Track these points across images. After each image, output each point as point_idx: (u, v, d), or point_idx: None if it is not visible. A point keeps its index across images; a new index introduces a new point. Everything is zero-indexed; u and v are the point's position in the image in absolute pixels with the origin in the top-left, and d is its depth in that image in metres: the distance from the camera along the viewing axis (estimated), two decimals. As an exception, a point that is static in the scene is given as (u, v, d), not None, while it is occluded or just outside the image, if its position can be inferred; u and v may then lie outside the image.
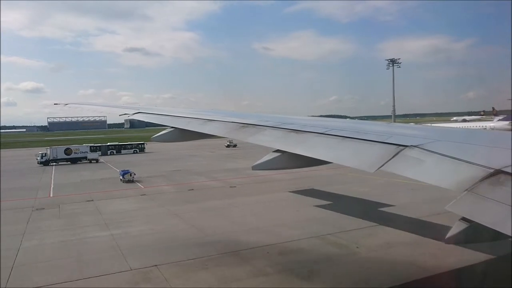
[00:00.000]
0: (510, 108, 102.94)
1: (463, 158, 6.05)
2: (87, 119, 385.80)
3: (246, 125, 11.45)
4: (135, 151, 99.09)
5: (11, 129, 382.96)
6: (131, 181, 50.01)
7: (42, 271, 20.55)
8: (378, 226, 26.33)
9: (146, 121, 16.32)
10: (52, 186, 50.12)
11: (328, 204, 33.96)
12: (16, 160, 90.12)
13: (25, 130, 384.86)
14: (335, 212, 30.84)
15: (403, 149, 6.96)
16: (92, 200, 39.26)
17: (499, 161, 5.63)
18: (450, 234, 5.44)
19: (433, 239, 22.56)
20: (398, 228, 25.43)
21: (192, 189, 44.10)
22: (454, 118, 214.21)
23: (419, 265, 19.45)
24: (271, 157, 9.41)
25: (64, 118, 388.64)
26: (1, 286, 18.29)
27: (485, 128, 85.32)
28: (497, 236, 4.85)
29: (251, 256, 21.48)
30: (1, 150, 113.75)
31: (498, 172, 5.34)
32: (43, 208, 36.39)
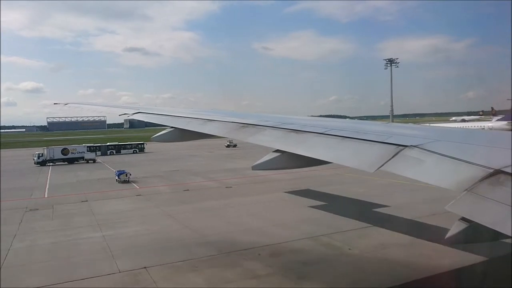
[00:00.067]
0: (509, 108, 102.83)
1: (462, 158, 6.04)
2: (86, 119, 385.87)
3: (246, 125, 11.44)
4: (134, 151, 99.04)
5: (10, 129, 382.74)
6: (126, 182, 49.69)
7: (29, 272, 20.30)
8: (372, 227, 26.11)
9: (146, 121, 16.30)
10: (47, 187, 49.80)
11: (323, 204, 33.72)
12: (13, 160, 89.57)
13: (24, 130, 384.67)
14: (329, 213, 30.65)
15: (403, 149, 6.95)
16: (87, 201, 38.98)
17: (498, 161, 5.62)
18: (449, 234, 5.44)
19: (426, 240, 22.53)
20: (392, 229, 25.20)
21: (188, 190, 43.83)
22: (453, 118, 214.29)
23: (411, 267, 19.31)
24: (271, 157, 9.40)
25: (63, 118, 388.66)
26: None
27: (483, 128, 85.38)
28: (496, 236, 4.86)
29: (242, 257, 21.27)
30: (1, 150, 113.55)
31: (497, 172, 5.33)
32: (37, 209, 36.11)
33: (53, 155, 78.12)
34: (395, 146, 7.15)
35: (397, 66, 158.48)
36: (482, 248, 18.30)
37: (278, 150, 9.41)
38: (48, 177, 58.93)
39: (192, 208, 34.32)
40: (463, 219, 5.34)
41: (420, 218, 27.64)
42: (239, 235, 25.66)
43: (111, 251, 23.21)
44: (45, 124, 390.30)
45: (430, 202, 30.92)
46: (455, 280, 17.83)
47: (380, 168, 6.75)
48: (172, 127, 13.93)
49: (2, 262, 21.77)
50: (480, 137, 8.96)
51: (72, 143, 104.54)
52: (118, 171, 51.92)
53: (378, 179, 41.63)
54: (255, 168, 9.56)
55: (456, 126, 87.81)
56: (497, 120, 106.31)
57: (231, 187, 44.95)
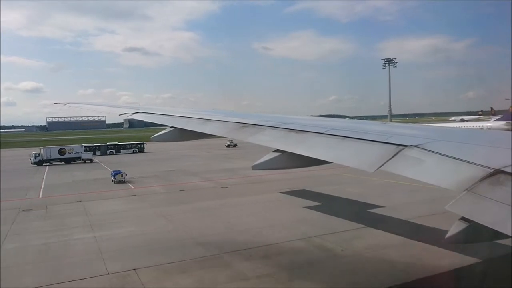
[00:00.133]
0: (508, 108, 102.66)
1: (462, 158, 6.04)
2: (86, 119, 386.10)
3: (246, 125, 11.44)
4: (134, 151, 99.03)
5: (10, 128, 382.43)
6: (122, 182, 49.28)
7: (17, 274, 19.97)
8: (365, 228, 25.86)
9: (146, 121, 16.26)
10: (42, 187, 49.44)
11: (318, 205, 33.44)
12: (11, 160, 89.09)
13: (24, 130, 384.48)
14: (323, 214, 30.39)
15: (403, 149, 6.94)
16: (81, 201, 38.66)
17: (498, 161, 5.61)
18: (449, 234, 5.44)
19: (419, 241, 22.41)
20: (385, 230, 24.97)
21: (183, 190, 43.48)
22: (452, 118, 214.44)
23: (401, 268, 19.07)
24: (271, 157, 9.37)
25: (63, 118, 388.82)
26: None
27: (482, 128, 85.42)
28: (496, 236, 4.86)
29: (233, 259, 21.02)
30: (0, 150, 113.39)
31: (497, 172, 5.32)
32: (31, 209, 35.77)
33: (50, 155, 77.75)
34: (395, 146, 7.14)
35: (395, 66, 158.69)
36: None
37: (278, 150, 9.38)
38: (44, 177, 58.58)
39: (186, 208, 33.98)
40: (463, 219, 5.34)
41: (414, 219, 27.45)
42: (231, 236, 25.42)
43: (101, 252, 22.94)
44: (45, 124, 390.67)
45: (426, 202, 30.85)
46: (455, 280, 17.80)
47: (380, 168, 6.73)
48: (172, 127, 13.91)
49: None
50: (480, 137, 8.95)
51: (71, 143, 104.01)
52: (113, 171, 51.52)
53: (376, 179, 41.30)
54: (255, 168, 9.55)
55: (455, 126, 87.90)
56: (495, 120, 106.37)
57: (227, 187, 44.63)
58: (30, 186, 49.77)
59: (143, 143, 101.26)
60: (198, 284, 18.14)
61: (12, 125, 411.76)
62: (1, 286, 18.29)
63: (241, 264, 20.23)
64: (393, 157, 6.84)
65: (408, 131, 9.35)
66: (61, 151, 79.38)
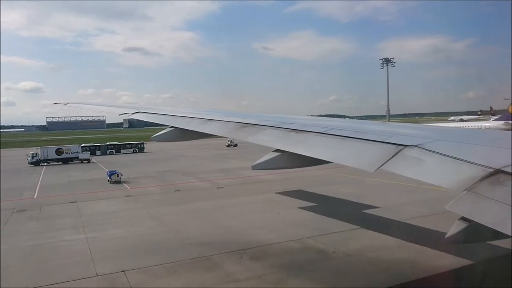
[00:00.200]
0: (507, 108, 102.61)
1: (463, 157, 6.03)
2: (85, 119, 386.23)
3: (246, 124, 11.45)
4: (134, 151, 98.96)
5: (9, 128, 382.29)
6: (118, 182, 48.90)
7: (3, 276, 19.41)
8: (359, 229, 25.49)
9: (146, 120, 16.27)
10: (38, 187, 49.09)
11: (313, 206, 33.09)
12: (8, 160, 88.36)
13: (23, 129, 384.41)
14: (318, 214, 30.05)
15: (403, 148, 6.94)
16: (76, 202, 38.32)
17: (498, 161, 5.61)
18: (449, 233, 5.43)
19: (412, 243, 22.18)
20: (379, 231, 24.66)
21: (179, 190, 43.13)
22: (452, 117, 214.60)
23: (391, 271, 18.77)
24: (271, 157, 9.36)
25: (63, 118, 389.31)
26: None
27: (480, 128, 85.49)
28: (496, 236, 4.87)
29: (223, 261, 20.69)
30: (0, 150, 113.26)
31: (497, 171, 5.31)
32: (24, 210, 35.39)
33: (47, 155, 77.29)
34: (395, 146, 7.14)
35: (393, 66, 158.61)
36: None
37: (278, 149, 9.38)
38: (40, 178, 58.20)
39: (179, 209, 33.64)
40: (463, 218, 5.34)
41: (408, 220, 27.18)
42: (223, 238, 25.05)
43: (91, 253, 22.62)
44: (45, 124, 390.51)
45: (421, 203, 30.69)
46: (456, 280, 17.75)
47: (380, 168, 6.74)
48: (172, 127, 13.90)
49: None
50: (480, 137, 8.96)
51: (71, 143, 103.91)
52: (109, 172, 51.20)
53: (376, 179, 40.84)
54: (255, 167, 9.53)
55: (455, 126, 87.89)
56: (494, 120, 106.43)
57: (222, 187, 44.27)
58: (26, 187, 49.43)
59: (143, 143, 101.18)
60: (187, 286, 17.85)
61: (12, 125, 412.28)
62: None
63: (231, 266, 19.96)
64: (393, 157, 6.83)
65: (408, 131, 9.32)
66: (58, 151, 78.97)
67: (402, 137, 7.64)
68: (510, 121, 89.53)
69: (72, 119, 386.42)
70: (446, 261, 18.95)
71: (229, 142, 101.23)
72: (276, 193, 39.10)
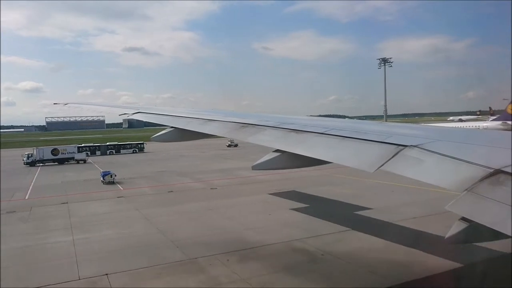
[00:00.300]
0: (505, 108, 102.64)
1: (462, 158, 6.03)
2: (85, 119, 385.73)
3: (246, 125, 11.44)
4: (134, 151, 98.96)
5: (9, 128, 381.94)
6: (112, 183, 48.52)
7: None
8: (350, 231, 25.21)
9: (146, 121, 16.25)
10: (30, 188, 48.66)
11: (305, 207, 32.77)
12: (5, 160, 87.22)
13: (23, 130, 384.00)
14: (309, 216, 29.68)
15: (403, 149, 6.93)
16: (67, 203, 38.01)
17: (498, 161, 5.60)
18: (449, 234, 5.44)
19: (402, 245, 21.99)
20: (370, 233, 24.38)
21: (172, 191, 42.82)
22: (451, 118, 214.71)
23: (382, 275, 18.41)
24: (270, 157, 9.33)
25: (62, 118, 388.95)
26: None
27: (478, 128, 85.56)
28: (496, 236, 4.87)
29: (210, 263, 20.28)
30: (0, 150, 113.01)
31: (497, 172, 5.31)
32: (14, 211, 35.06)
33: (43, 156, 76.90)
34: (395, 146, 7.13)
35: (391, 66, 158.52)
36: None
37: (278, 150, 9.36)
38: (34, 178, 57.76)
39: (170, 210, 33.32)
40: (463, 218, 5.34)
41: (400, 222, 26.85)
42: (211, 240, 24.63)
43: (76, 256, 22.33)
44: (44, 124, 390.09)
45: (414, 204, 30.59)
46: (456, 279, 17.72)
47: (380, 168, 6.73)
48: (172, 127, 13.88)
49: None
50: (480, 137, 8.95)
51: (70, 143, 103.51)
52: (103, 172, 50.83)
53: (376, 180, 40.42)
54: (255, 168, 9.50)
55: (453, 126, 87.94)
56: (492, 120, 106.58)
57: (216, 188, 43.96)
58: (19, 187, 48.94)
59: (143, 143, 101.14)
60: None
61: (12, 125, 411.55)
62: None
63: (217, 269, 19.63)
64: (393, 157, 6.82)
65: (408, 131, 9.32)
66: (54, 152, 78.56)
67: (402, 137, 7.64)
68: (508, 121, 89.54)
69: (71, 119, 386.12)
70: (436, 262, 18.76)
71: (229, 142, 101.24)
72: (269, 194, 38.69)
